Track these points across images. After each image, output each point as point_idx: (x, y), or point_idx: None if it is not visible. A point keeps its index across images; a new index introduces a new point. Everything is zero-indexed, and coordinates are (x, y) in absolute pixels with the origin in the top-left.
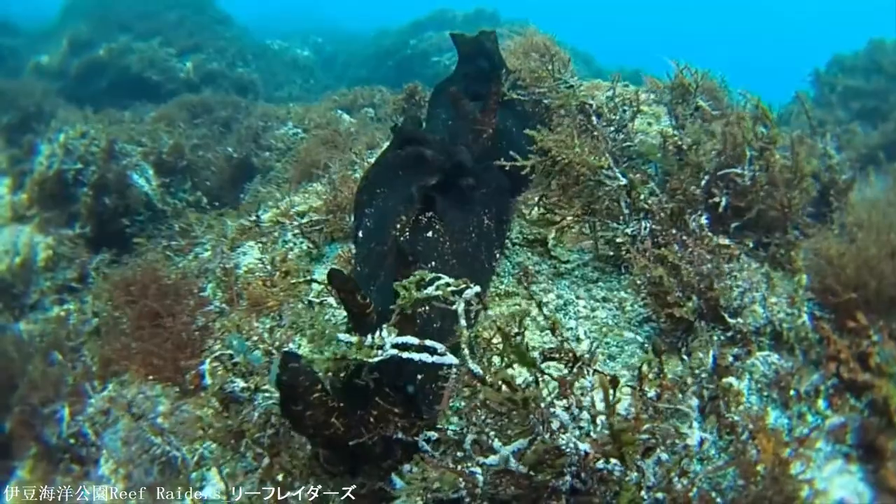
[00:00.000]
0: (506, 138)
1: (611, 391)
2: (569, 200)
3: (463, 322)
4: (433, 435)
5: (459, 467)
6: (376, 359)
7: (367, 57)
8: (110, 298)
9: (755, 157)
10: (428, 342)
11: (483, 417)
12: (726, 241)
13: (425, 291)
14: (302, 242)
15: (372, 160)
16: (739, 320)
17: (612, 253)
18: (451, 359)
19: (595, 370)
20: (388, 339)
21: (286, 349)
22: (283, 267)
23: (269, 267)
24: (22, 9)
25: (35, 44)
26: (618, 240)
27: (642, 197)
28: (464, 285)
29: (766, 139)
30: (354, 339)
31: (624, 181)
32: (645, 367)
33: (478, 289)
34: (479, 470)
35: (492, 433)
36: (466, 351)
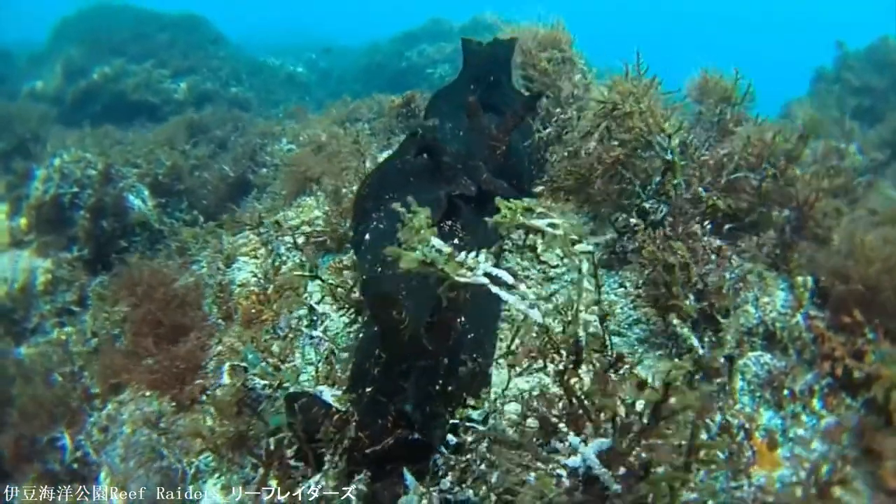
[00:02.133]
0: (515, 155)
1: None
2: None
3: (587, 284)
4: (453, 440)
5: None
6: (464, 280)
7: (360, 71)
8: (115, 296)
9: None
10: (522, 287)
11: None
12: (719, 243)
13: (532, 220)
14: (295, 255)
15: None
16: (731, 320)
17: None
18: (537, 314)
19: (631, 371)
20: (482, 265)
21: (288, 391)
22: (277, 280)
23: (262, 280)
24: (10, 34)
25: (27, 69)
26: (650, 212)
27: (674, 182)
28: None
29: (788, 152)
30: (447, 248)
31: (669, 157)
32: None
33: (591, 247)
34: (564, 472)
35: (563, 427)
36: (589, 317)
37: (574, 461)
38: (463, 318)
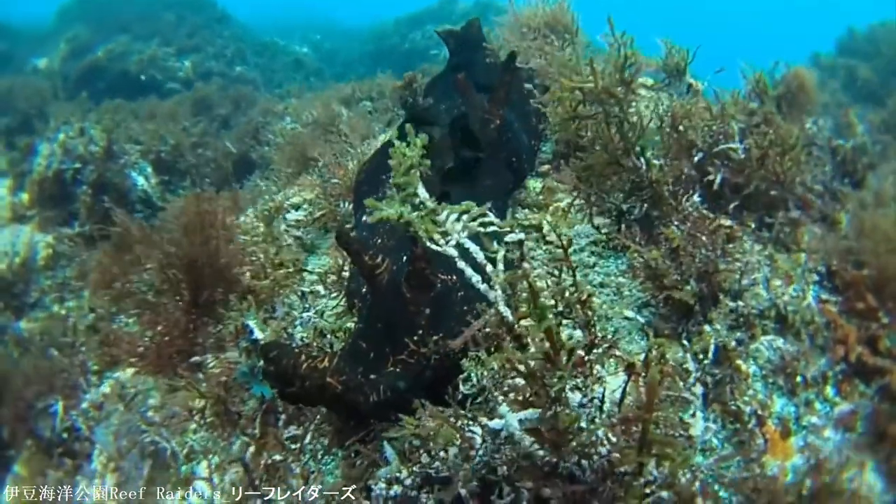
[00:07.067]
0: (510, 130)
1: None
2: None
3: (500, 266)
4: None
5: (460, 424)
6: (434, 248)
7: (365, 53)
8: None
9: (749, 131)
10: (489, 266)
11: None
12: (727, 222)
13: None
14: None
15: (366, 149)
16: (741, 303)
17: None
18: (496, 294)
19: (615, 355)
20: (455, 233)
21: (262, 342)
22: (276, 259)
23: (261, 258)
24: (16, 11)
25: (31, 47)
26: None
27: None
28: (508, 228)
29: (760, 113)
30: (430, 202)
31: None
32: (653, 353)
33: (522, 235)
34: (478, 431)
35: (499, 396)
36: (499, 292)
37: (496, 423)
38: (454, 276)
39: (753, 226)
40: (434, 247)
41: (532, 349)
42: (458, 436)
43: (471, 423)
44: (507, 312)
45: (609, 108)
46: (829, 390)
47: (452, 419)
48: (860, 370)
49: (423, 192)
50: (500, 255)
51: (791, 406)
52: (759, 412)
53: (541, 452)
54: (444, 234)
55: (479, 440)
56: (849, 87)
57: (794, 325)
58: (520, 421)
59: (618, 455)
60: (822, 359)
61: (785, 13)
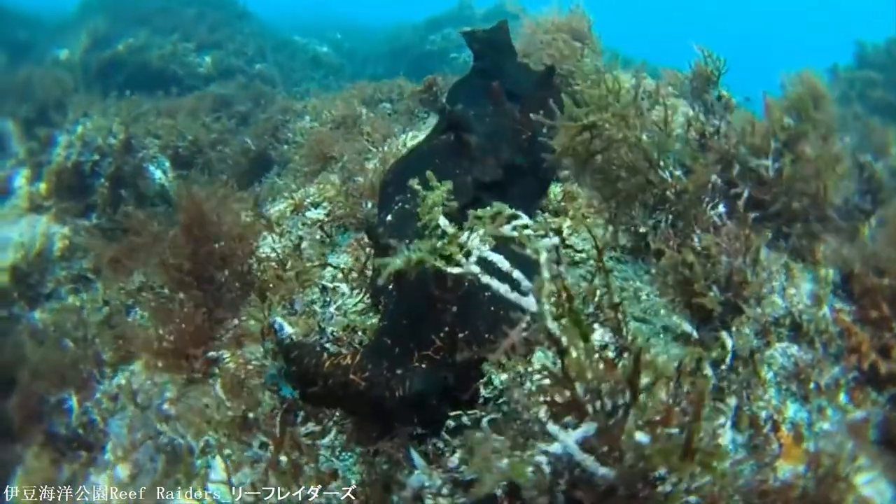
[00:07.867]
0: (536, 140)
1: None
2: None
3: (546, 273)
4: (451, 424)
5: (527, 454)
6: (456, 270)
7: (384, 54)
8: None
9: (783, 149)
10: (515, 273)
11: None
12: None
13: (502, 229)
14: (315, 232)
15: (387, 150)
16: (758, 311)
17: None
18: (530, 302)
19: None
20: (476, 249)
21: (283, 340)
22: (296, 256)
23: (280, 255)
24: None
25: (52, 37)
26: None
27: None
28: (543, 232)
29: (795, 131)
30: (451, 228)
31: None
32: (687, 361)
33: (556, 240)
34: (544, 459)
35: (541, 413)
36: (546, 306)
37: (555, 448)
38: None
39: (770, 235)
40: (456, 269)
41: (573, 355)
42: (531, 469)
43: (532, 452)
44: (554, 327)
45: (622, 133)
46: (841, 397)
47: (519, 451)
48: (873, 378)
49: (444, 222)
50: (543, 259)
51: (804, 412)
52: (775, 417)
53: (603, 471)
54: (468, 253)
55: (547, 469)
56: (866, 99)
57: (809, 334)
58: (576, 441)
59: (659, 460)
60: (835, 366)
61: (801, 24)
